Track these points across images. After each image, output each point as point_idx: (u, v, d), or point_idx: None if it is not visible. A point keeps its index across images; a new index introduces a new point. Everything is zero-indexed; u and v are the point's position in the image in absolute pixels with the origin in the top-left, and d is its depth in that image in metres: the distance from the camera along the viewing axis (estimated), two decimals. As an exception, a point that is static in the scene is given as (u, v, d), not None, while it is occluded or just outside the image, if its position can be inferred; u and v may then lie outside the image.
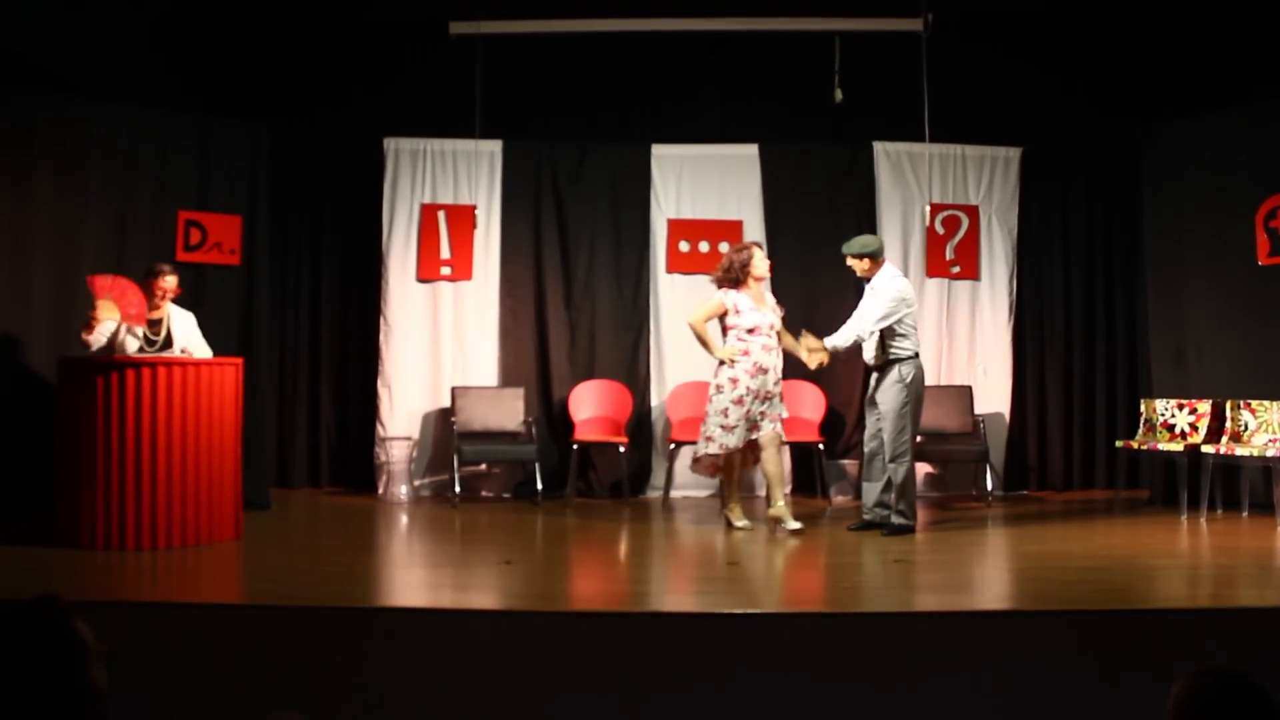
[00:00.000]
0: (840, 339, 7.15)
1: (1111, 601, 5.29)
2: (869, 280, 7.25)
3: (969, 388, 9.12)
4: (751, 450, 7.28)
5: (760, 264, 7.23)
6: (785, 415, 7.32)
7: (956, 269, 9.23)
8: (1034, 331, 9.44)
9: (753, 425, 7.09)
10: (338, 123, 9.33)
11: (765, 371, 7.09)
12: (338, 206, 9.34)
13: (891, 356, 7.10)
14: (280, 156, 8.88)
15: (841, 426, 9.17)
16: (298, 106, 9.22)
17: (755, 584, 6.02)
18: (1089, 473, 9.41)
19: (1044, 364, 9.44)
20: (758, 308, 7.15)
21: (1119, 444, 8.84)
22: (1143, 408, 8.68)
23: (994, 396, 9.28)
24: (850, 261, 7.24)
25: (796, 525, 7.10)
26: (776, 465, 7.27)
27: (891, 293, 7.10)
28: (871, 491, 7.24)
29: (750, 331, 7.11)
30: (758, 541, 7.00)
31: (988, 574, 6.37)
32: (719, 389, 7.13)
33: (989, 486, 8.85)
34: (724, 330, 7.27)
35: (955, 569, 6.24)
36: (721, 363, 7.15)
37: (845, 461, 9.12)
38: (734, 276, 7.22)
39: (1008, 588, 6.01)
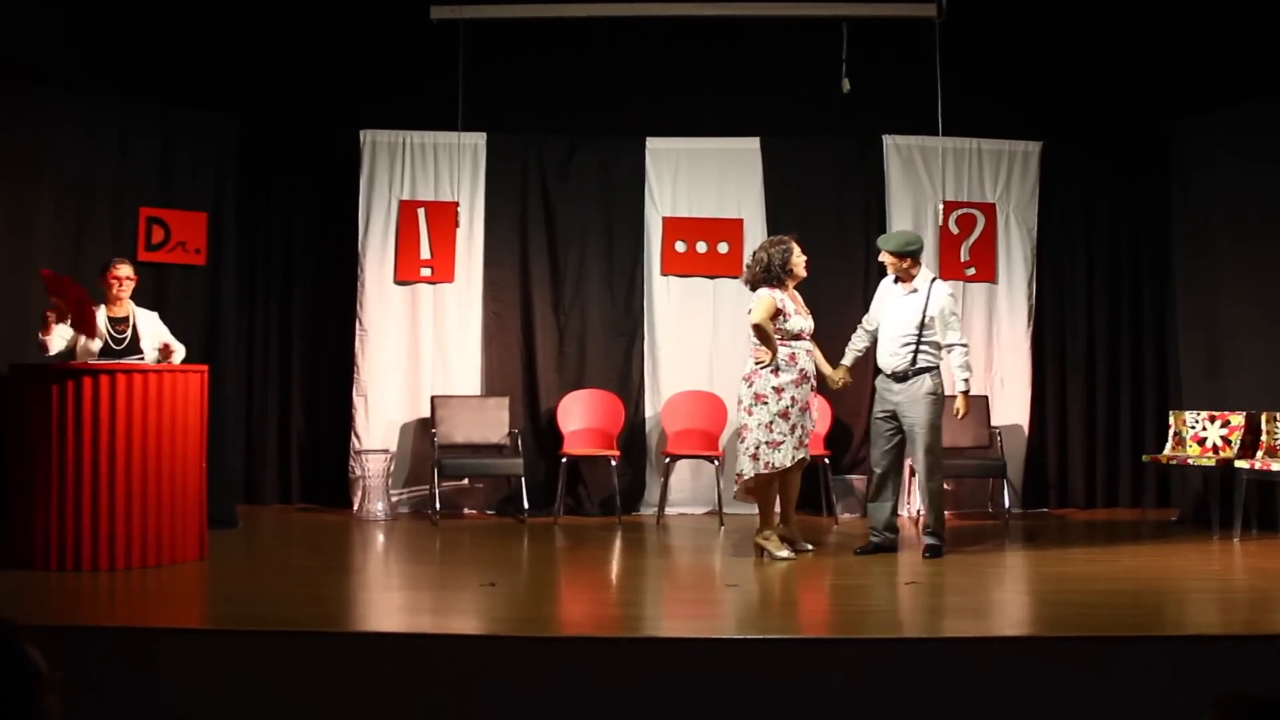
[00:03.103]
0: (965, 372, 7.09)
1: (1138, 627, 5.29)
2: (899, 281, 7.21)
3: (985, 398, 9.13)
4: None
5: (800, 260, 7.06)
6: (813, 428, 7.22)
7: (972, 271, 9.24)
8: (1055, 338, 9.45)
9: (800, 441, 6.92)
10: (310, 114, 9.32)
11: (808, 380, 6.98)
12: (310, 203, 9.33)
13: (922, 365, 7.08)
14: (249, 149, 8.85)
15: (848, 440, 9.17)
16: (268, 96, 9.20)
17: (756, 608, 6.01)
18: (1113, 489, 9.41)
19: (1065, 373, 9.44)
20: (800, 310, 7.05)
21: (1146, 459, 8.84)
22: (1171, 420, 8.69)
23: (1012, 408, 9.29)
24: (887, 259, 7.18)
25: (787, 552, 7.01)
26: (797, 487, 7.21)
27: (949, 300, 7.14)
28: (881, 512, 7.22)
29: (795, 337, 6.98)
30: (757, 563, 6.97)
31: (1005, 597, 6.36)
32: (760, 400, 6.89)
33: (1006, 504, 8.86)
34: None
35: (971, 592, 6.23)
36: (759, 369, 6.91)
37: (852, 477, 9.12)
38: (775, 276, 7.00)
39: (1027, 612, 6.01)
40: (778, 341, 6.91)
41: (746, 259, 9.02)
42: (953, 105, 8.78)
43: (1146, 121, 9.24)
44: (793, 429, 6.88)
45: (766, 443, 6.88)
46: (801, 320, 7.01)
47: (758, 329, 6.88)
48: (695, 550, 7.88)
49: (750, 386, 6.94)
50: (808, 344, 7.02)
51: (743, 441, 6.94)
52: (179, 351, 6.84)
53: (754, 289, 7.06)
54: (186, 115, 8.33)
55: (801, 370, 6.94)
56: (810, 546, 7.28)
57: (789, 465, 6.90)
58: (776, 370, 6.91)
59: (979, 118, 9.25)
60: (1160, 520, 8.77)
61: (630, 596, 6.36)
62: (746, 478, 6.94)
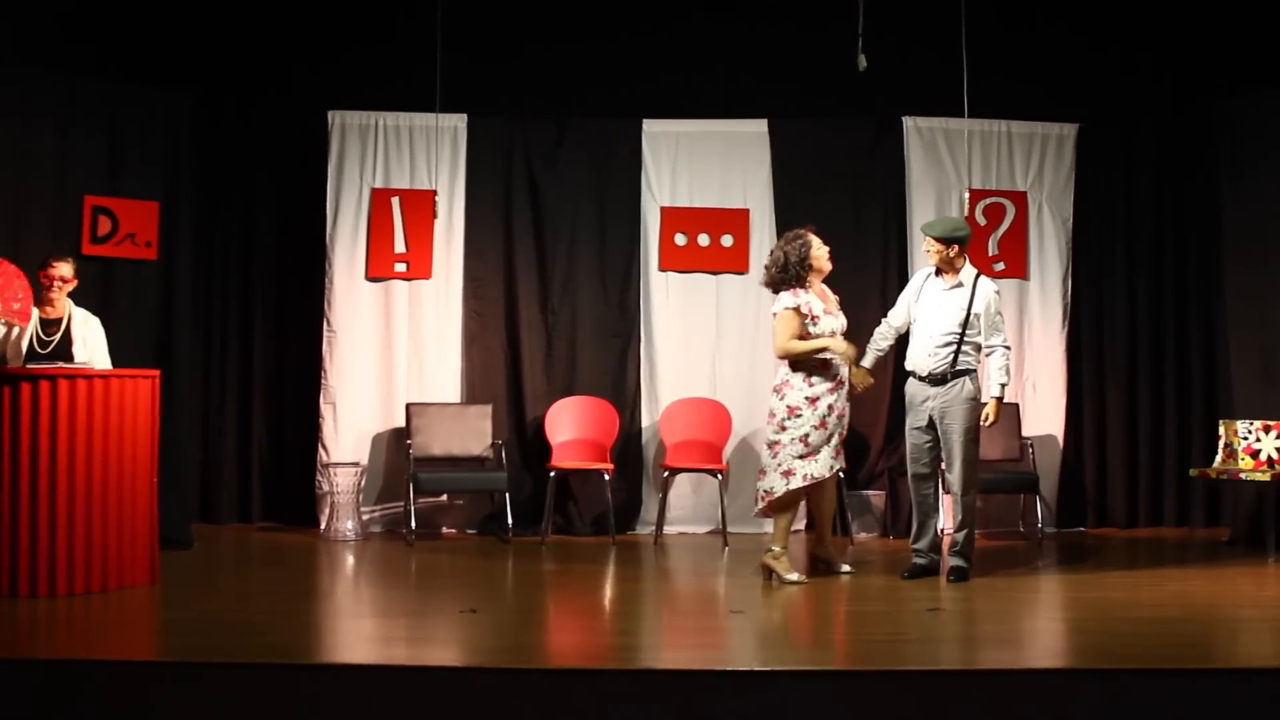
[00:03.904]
0: (1004, 376, 7.11)
1: (1186, 659, 5.27)
2: (940, 272, 7.20)
3: (1016, 406, 9.12)
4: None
5: (821, 253, 7.06)
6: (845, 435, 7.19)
7: (1000, 266, 9.23)
8: (1092, 340, 9.45)
9: (837, 450, 6.93)
10: (274, 92, 9.30)
11: (843, 384, 6.97)
12: (273, 191, 9.31)
13: (962, 367, 7.08)
14: (205, 132, 8.85)
15: (865, 451, 9.15)
16: (226, 73, 9.19)
17: (763, 637, 5.99)
18: (1157, 506, 9.40)
19: (1104, 378, 9.44)
20: (829, 310, 7.03)
21: (1193, 472, 8.83)
22: (1221, 430, 8.68)
23: (1045, 416, 9.29)
24: (932, 246, 7.16)
25: (797, 576, 7.01)
26: (833, 502, 7.19)
27: (996, 297, 7.16)
28: (929, 529, 7.22)
29: (830, 337, 6.95)
30: (764, 587, 6.96)
31: (1038, 625, 6.34)
32: (794, 413, 6.89)
33: (1039, 522, 8.85)
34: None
35: (1000, 619, 6.22)
36: (794, 371, 6.90)
37: (870, 492, 9.12)
38: (794, 274, 7.00)
39: (1062, 642, 5.99)
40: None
41: (764, 259, 9.10)
42: (980, 83, 8.76)
43: (1194, 101, 9.24)
44: (829, 439, 6.90)
45: (800, 456, 6.88)
46: (832, 320, 7.00)
47: (790, 354, 6.88)
48: (697, 573, 7.86)
49: (782, 399, 6.95)
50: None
51: (775, 457, 6.93)
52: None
53: (775, 290, 7.06)
54: (136, 93, 8.30)
55: (836, 374, 6.94)
56: (848, 568, 7.28)
57: (827, 476, 6.94)
58: (810, 378, 6.90)
59: (1009, 97, 9.24)
60: (1209, 541, 8.76)
61: (625, 624, 6.33)
62: (777, 495, 6.94)
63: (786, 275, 6.99)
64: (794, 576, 6.97)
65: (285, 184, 9.32)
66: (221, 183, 9.20)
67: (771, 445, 6.97)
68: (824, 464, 6.90)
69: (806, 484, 6.91)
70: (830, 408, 6.89)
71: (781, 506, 7.00)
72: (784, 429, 6.91)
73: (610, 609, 6.82)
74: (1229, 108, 8.95)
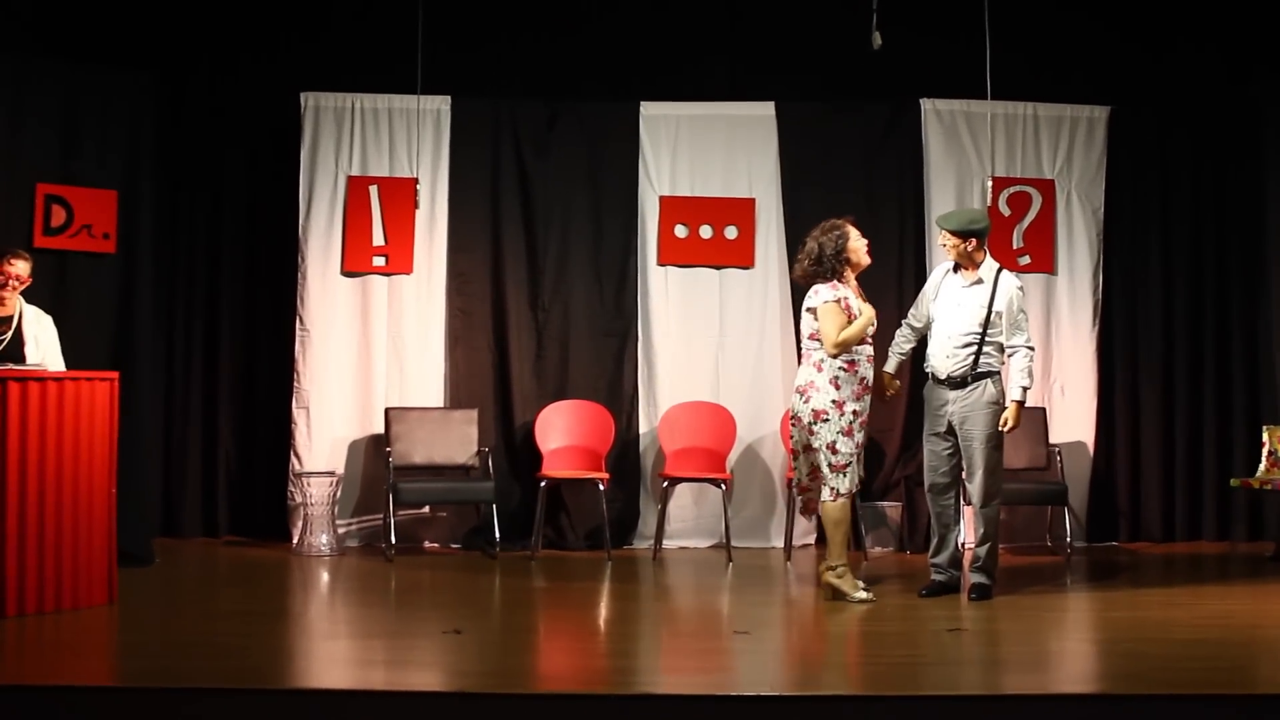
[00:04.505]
0: (1026, 379, 7.09)
1: (1227, 684, 5.27)
2: (959, 268, 7.19)
3: (1042, 410, 9.12)
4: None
5: (860, 245, 7.03)
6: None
7: (1026, 260, 9.23)
8: (1125, 339, 9.44)
9: (861, 460, 6.95)
10: (243, 73, 9.29)
11: (869, 391, 6.97)
12: (241, 179, 9.30)
13: (984, 369, 7.08)
14: (168, 116, 8.83)
15: (880, 460, 9.15)
16: (191, 52, 9.18)
17: (770, 659, 5.99)
18: (1196, 519, 9.40)
19: (1137, 380, 9.43)
20: (862, 309, 7.01)
21: (1235, 482, 8.83)
22: (1265, 436, 8.69)
23: (1074, 422, 9.28)
24: (949, 240, 7.16)
25: (865, 594, 6.99)
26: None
27: (1019, 294, 7.16)
28: (949, 543, 7.22)
29: (858, 339, 6.96)
30: (771, 605, 6.97)
31: (1067, 647, 6.34)
32: (820, 418, 6.91)
33: (1068, 536, 8.84)
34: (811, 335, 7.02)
35: (1026, 640, 6.22)
36: (819, 372, 6.90)
37: (885, 504, 9.11)
38: (829, 268, 6.98)
39: (1092, 665, 5.99)
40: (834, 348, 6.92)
41: (769, 252, 9.11)
42: (1003, 62, 8.74)
43: (1237, 81, 9.23)
44: (858, 448, 6.94)
45: (831, 466, 6.88)
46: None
47: (841, 348, 6.85)
48: (698, 590, 7.86)
49: (808, 403, 6.95)
50: (869, 349, 6.99)
51: (835, 454, 6.86)
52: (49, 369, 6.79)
53: (807, 284, 7.06)
54: (93, 73, 8.28)
55: (863, 380, 6.94)
56: (864, 595, 7.23)
57: (855, 490, 7.00)
58: (836, 382, 6.90)
59: (1035, 77, 9.24)
60: (1252, 556, 8.76)
61: (621, 646, 6.33)
62: (843, 493, 6.91)
63: (821, 269, 6.98)
64: (862, 594, 6.96)
65: (254, 171, 9.31)
66: (185, 170, 9.19)
67: (821, 449, 6.91)
68: (853, 478, 6.94)
69: (845, 498, 6.92)
70: (855, 414, 6.91)
71: (831, 514, 6.96)
72: (812, 432, 6.92)
73: (605, 629, 6.81)
74: (1275, 88, 8.94)
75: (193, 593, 7.58)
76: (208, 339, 9.29)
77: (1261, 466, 8.63)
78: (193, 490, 9.19)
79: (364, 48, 9.24)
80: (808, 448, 6.96)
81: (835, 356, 6.88)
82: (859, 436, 6.93)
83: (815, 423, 6.90)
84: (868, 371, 6.96)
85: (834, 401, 6.88)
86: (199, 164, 9.24)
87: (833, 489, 6.90)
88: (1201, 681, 5.27)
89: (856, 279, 7.12)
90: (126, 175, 8.35)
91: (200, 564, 8.49)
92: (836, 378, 6.89)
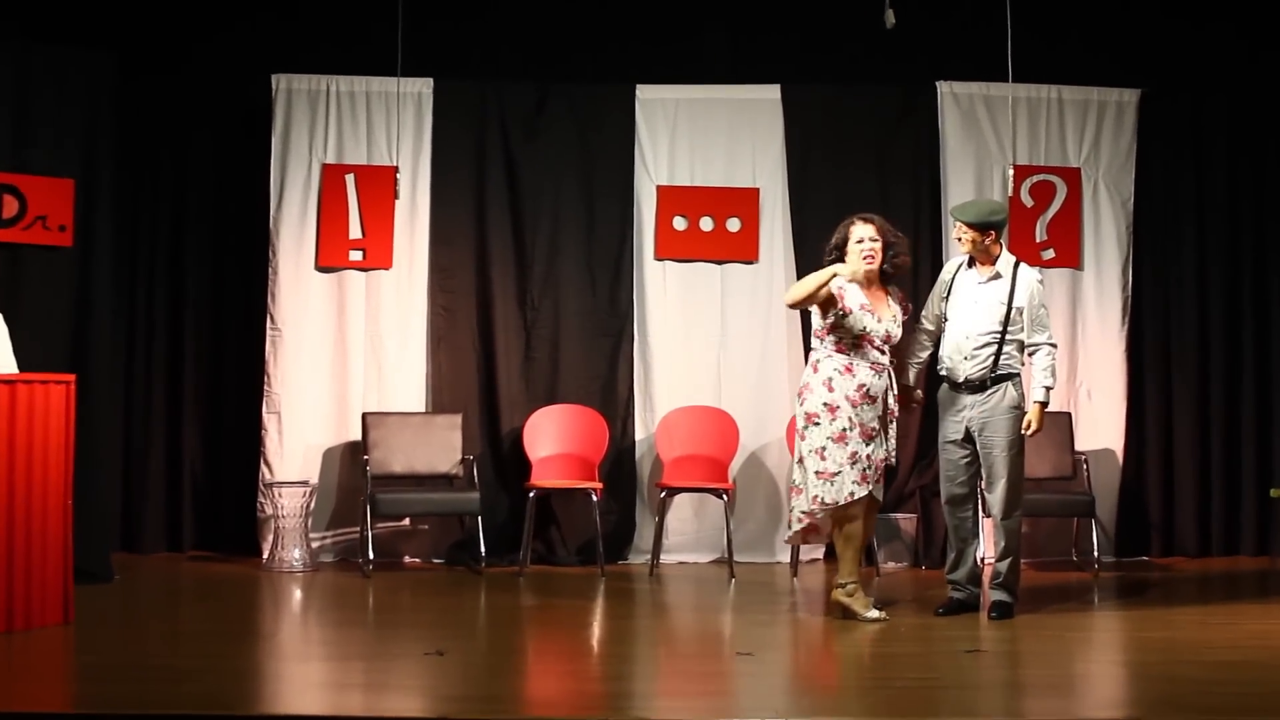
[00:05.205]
0: (1048, 378, 7.08)
1: (1266, 710, 5.26)
2: (974, 264, 7.19)
3: (1068, 415, 9.13)
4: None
5: (858, 248, 6.97)
6: (891, 459, 7.11)
7: (1050, 254, 9.23)
8: (1157, 340, 9.45)
9: (864, 475, 6.88)
10: (209, 53, 9.28)
11: (873, 401, 6.94)
12: (208, 168, 9.30)
13: (1004, 371, 7.07)
14: (129, 99, 8.80)
15: (892, 470, 9.11)
16: (154, 31, 9.16)
17: (775, 683, 5.98)
18: (1233, 533, 9.40)
19: (1170, 383, 9.44)
20: (873, 309, 6.98)
21: (1275, 493, 8.83)
22: (1307, 444, 8.70)
23: (1102, 428, 9.29)
24: (965, 233, 7.14)
25: (876, 614, 6.97)
26: (865, 533, 7.12)
27: (1040, 289, 7.16)
28: (968, 558, 7.21)
29: (857, 340, 6.93)
30: (776, 625, 6.96)
31: (1094, 670, 6.32)
32: (811, 420, 6.94)
33: (1095, 550, 8.84)
34: (823, 329, 7.03)
35: (1050, 663, 6.22)
36: (815, 373, 6.94)
37: (899, 516, 9.11)
38: (834, 260, 7.05)
39: (1122, 689, 5.97)
40: (832, 346, 6.93)
41: (775, 244, 9.11)
42: (1026, 43, 8.74)
43: (1275, 63, 9.22)
44: (853, 459, 6.87)
45: (817, 472, 6.88)
46: (868, 321, 6.93)
47: (793, 301, 7.05)
48: (698, 609, 7.86)
49: (802, 404, 6.99)
50: (875, 355, 6.95)
51: (823, 460, 6.90)
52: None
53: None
54: (48, 54, 8.26)
55: (863, 387, 6.91)
56: (876, 613, 7.21)
57: (842, 502, 6.89)
58: (830, 384, 6.91)
59: (1060, 58, 9.26)
60: (1293, 572, 8.78)
61: (615, 668, 6.31)
62: (795, 524, 7.01)
63: (829, 260, 7.04)
64: (874, 614, 6.94)
65: (222, 159, 9.31)
66: (148, 158, 9.19)
67: (801, 460, 6.98)
68: (842, 488, 6.87)
69: (819, 509, 6.90)
70: (851, 421, 6.87)
71: (830, 531, 7.00)
72: (804, 438, 6.95)
73: (598, 650, 6.80)
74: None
75: (155, 612, 7.56)
76: (171, 339, 9.27)
77: (1304, 476, 8.64)
78: (155, 502, 9.17)
79: (340, 26, 9.24)
80: (801, 458, 6.98)
81: (791, 306, 7.15)
82: (857, 448, 6.88)
83: (806, 426, 6.92)
84: (870, 379, 6.91)
85: (826, 405, 6.89)
86: (162, 151, 9.24)
87: (813, 496, 6.88)
88: (1239, 708, 5.26)
89: (895, 282, 7.13)
90: (84, 163, 8.32)
91: (163, 581, 8.47)
92: (830, 379, 6.90)
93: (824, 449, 6.87)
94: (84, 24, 8.83)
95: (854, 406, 6.88)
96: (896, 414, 7.07)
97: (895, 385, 7.06)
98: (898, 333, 7.02)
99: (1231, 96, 9.44)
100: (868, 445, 6.90)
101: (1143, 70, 9.43)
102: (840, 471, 6.86)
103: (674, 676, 6.21)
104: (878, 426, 6.94)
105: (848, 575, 6.99)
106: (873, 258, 6.97)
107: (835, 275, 6.88)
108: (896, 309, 7.07)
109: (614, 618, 7.53)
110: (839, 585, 7.02)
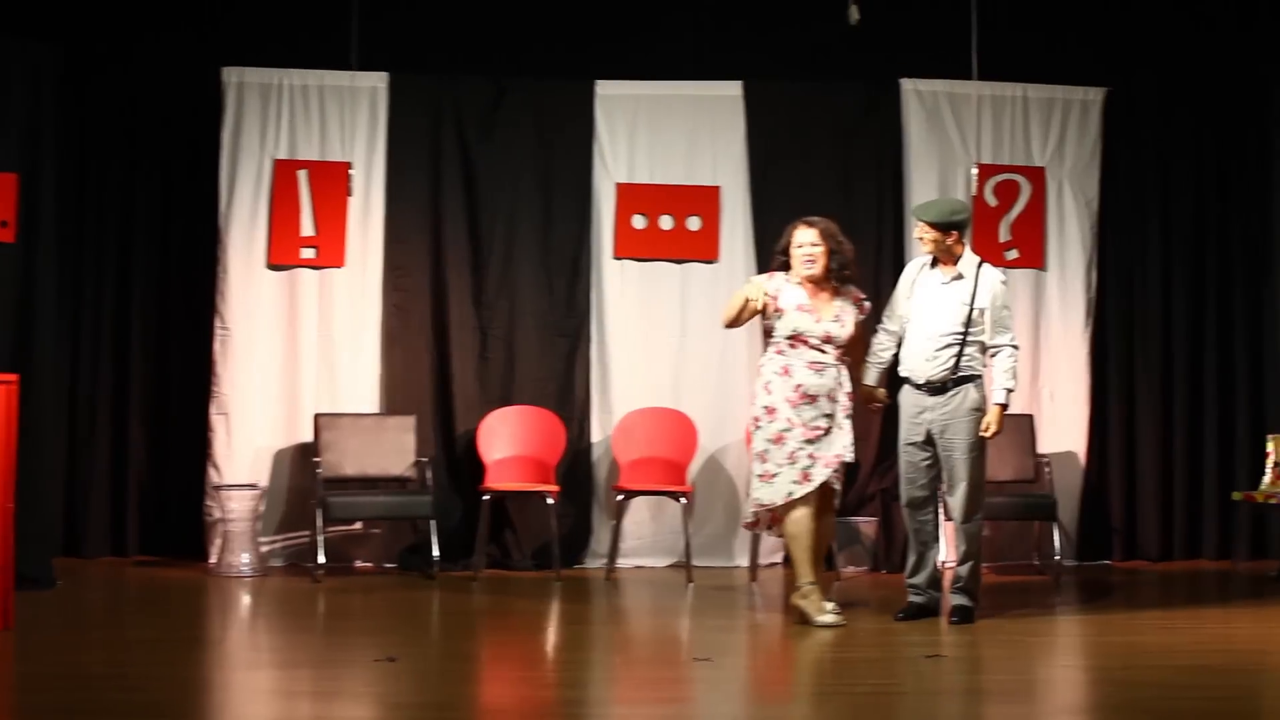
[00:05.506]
0: (1010, 380, 7.11)
1: (1229, 715, 5.29)
2: (937, 263, 7.21)
3: (1030, 418, 9.18)
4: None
5: (799, 252, 7.04)
6: (847, 455, 7.10)
7: (1014, 254, 9.28)
8: (1120, 342, 9.52)
9: (804, 474, 6.94)
10: (158, 45, 9.23)
11: (813, 400, 7.00)
12: (156, 163, 9.26)
13: (965, 373, 7.11)
14: (75, 92, 8.77)
15: (853, 472, 9.14)
16: (101, 22, 9.12)
17: (733, 689, 5.99)
18: (1196, 536, 9.48)
19: (1134, 385, 9.51)
20: (812, 309, 7.04)
21: (1237, 496, 8.90)
22: (1270, 447, 8.77)
23: (1065, 430, 9.35)
24: (926, 233, 7.17)
25: (831, 619, 6.97)
26: (820, 534, 7.15)
27: (1003, 289, 7.20)
28: (928, 562, 7.25)
29: (791, 340, 7.04)
30: (735, 630, 6.97)
31: (1055, 675, 6.37)
32: (756, 423, 7.08)
33: (1057, 554, 8.87)
34: (766, 331, 7.20)
35: (1010, 668, 6.24)
36: (759, 374, 7.08)
37: (858, 519, 9.13)
38: (779, 263, 7.19)
39: (1084, 694, 6.00)
40: (773, 348, 7.07)
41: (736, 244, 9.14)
42: (991, 40, 8.82)
43: (1243, 62, 9.31)
44: (791, 459, 6.92)
45: (759, 475, 6.98)
46: (804, 321, 7.00)
47: (726, 323, 7.21)
48: (656, 614, 7.87)
49: (752, 407, 7.12)
50: (813, 354, 7.01)
51: (764, 463, 7.04)
52: None
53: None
54: (-10, 44, 8.23)
55: (800, 387, 6.97)
56: (831, 618, 7.23)
57: (780, 503, 6.94)
58: (768, 387, 7.01)
59: (1025, 56, 9.31)
60: (1255, 575, 8.83)
61: (571, 674, 6.31)
62: (745, 518, 7.15)
63: (778, 261, 7.18)
64: (828, 618, 6.94)
65: (170, 154, 9.27)
66: (93, 152, 9.14)
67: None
68: (779, 489, 6.94)
69: (757, 510, 7.03)
70: (791, 423, 6.94)
71: (784, 531, 7.06)
72: (751, 441, 7.07)
73: (554, 657, 6.80)
74: (1282, 70, 9.06)
75: (99, 619, 7.52)
76: (117, 338, 9.23)
77: (1266, 479, 8.70)
78: (99, 505, 9.12)
79: (293, 18, 9.21)
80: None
81: (727, 327, 7.28)
82: (796, 448, 6.93)
83: (755, 427, 7.04)
84: (808, 379, 6.98)
85: (765, 407, 7.00)
86: (108, 145, 9.19)
87: (754, 499, 7.00)
88: (1202, 712, 5.29)
89: (850, 284, 7.18)
90: (26, 156, 8.26)
91: (107, 587, 8.43)
92: (769, 382, 7.02)
93: (765, 452, 6.98)
94: (28, 15, 8.76)
95: (793, 407, 6.96)
96: (850, 410, 7.10)
97: (848, 383, 7.11)
98: (841, 332, 7.05)
99: (1197, 96, 9.51)
100: (811, 444, 6.95)
101: (1108, 70, 9.49)
102: (779, 473, 6.94)
103: (630, 683, 6.21)
104: (824, 425, 6.99)
105: (803, 577, 7.02)
106: (812, 263, 7.03)
107: (747, 299, 7.04)
108: (844, 308, 7.10)
109: (570, 623, 7.53)
110: (796, 588, 7.06)
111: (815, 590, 7.01)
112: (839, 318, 7.07)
